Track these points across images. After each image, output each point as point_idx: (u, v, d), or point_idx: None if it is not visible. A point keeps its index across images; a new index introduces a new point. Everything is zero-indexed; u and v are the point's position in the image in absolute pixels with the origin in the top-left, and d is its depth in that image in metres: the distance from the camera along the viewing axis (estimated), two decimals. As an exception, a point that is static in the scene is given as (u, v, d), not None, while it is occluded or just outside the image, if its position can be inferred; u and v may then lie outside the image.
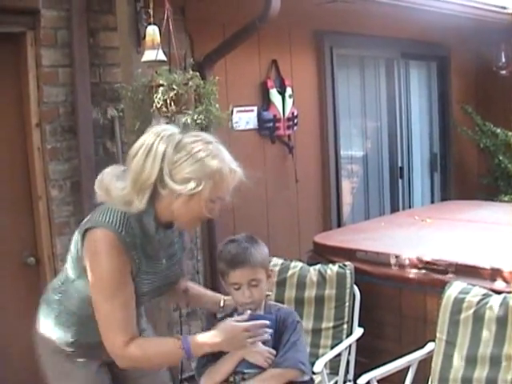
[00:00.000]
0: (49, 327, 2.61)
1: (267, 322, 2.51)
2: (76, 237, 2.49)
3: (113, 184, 2.41)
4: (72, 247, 2.52)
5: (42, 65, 4.16)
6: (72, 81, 4.25)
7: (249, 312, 2.56)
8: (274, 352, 2.56)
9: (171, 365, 2.62)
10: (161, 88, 3.55)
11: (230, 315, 2.70)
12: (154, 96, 3.56)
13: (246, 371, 2.55)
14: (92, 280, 2.38)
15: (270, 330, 2.52)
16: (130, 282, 2.42)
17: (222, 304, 2.87)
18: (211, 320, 2.79)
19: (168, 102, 3.54)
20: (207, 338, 2.45)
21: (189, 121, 3.70)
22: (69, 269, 2.56)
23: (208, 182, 2.35)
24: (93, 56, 4.36)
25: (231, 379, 2.56)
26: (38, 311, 2.69)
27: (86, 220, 2.49)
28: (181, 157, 2.35)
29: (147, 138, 2.38)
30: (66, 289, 2.58)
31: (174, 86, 3.55)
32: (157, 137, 2.36)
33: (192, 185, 2.33)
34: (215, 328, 2.49)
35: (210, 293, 3.02)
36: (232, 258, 2.63)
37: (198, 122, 3.69)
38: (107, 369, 2.69)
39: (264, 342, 2.53)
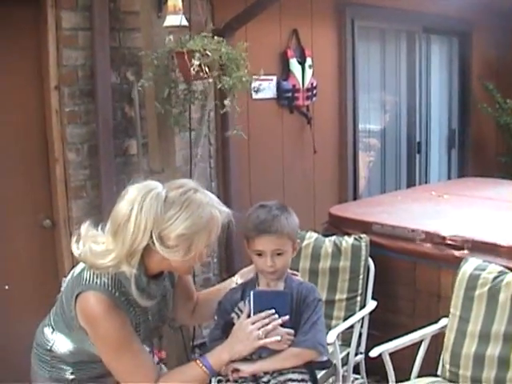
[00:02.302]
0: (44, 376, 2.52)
1: (272, 311, 2.42)
2: (68, 293, 2.35)
3: (94, 252, 2.27)
4: (64, 303, 2.39)
5: (62, 27, 4.13)
6: (91, 44, 4.22)
7: (252, 292, 2.48)
8: (292, 332, 2.47)
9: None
10: (197, 54, 3.53)
11: (252, 281, 2.67)
12: (188, 62, 3.53)
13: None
14: (99, 346, 2.31)
15: (279, 318, 2.43)
16: (133, 331, 2.34)
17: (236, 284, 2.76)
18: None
19: (202, 67, 3.53)
20: (223, 349, 2.41)
21: (226, 86, 3.66)
22: (59, 324, 2.45)
23: (203, 232, 2.26)
24: (113, 20, 4.32)
25: (248, 357, 2.46)
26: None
27: (74, 277, 2.37)
28: (172, 215, 2.23)
29: (135, 201, 2.23)
30: (57, 348, 2.46)
31: (208, 52, 3.53)
32: (145, 199, 2.22)
33: (184, 249, 2.24)
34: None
35: (220, 285, 2.87)
36: (259, 224, 2.54)
37: (228, 86, 3.66)
38: None
39: (282, 323, 2.44)
